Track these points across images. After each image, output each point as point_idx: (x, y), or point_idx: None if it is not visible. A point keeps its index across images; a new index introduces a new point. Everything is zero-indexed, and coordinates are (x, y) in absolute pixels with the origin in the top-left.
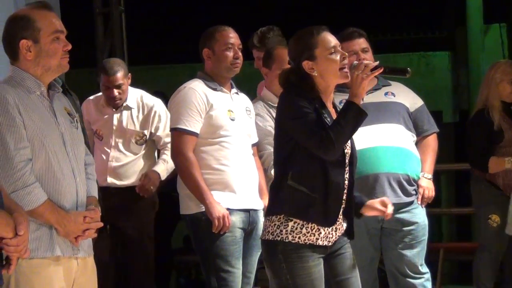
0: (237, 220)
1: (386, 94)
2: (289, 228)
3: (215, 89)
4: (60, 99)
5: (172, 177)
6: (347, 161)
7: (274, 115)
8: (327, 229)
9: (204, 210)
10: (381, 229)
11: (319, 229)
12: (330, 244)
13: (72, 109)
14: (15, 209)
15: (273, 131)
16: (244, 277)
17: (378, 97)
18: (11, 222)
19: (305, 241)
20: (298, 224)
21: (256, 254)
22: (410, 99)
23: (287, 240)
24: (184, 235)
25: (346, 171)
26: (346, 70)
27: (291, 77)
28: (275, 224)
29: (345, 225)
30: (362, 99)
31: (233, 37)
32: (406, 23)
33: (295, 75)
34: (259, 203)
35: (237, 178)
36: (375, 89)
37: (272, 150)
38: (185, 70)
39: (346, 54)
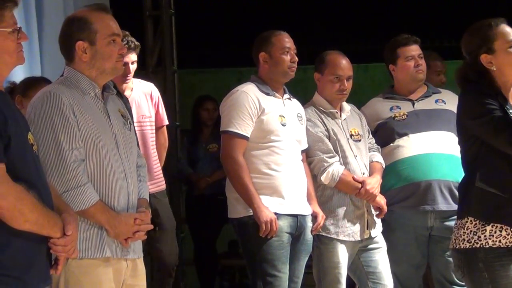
0: (284, 224)
1: (436, 101)
2: (487, 233)
3: (267, 94)
4: (114, 101)
5: (219, 180)
6: None
7: (325, 120)
8: None
9: (252, 214)
10: (429, 236)
11: None
12: None
13: (126, 111)
14: (64, 210)
15: (323, 137)
16: (291, 282)
17: (429, 104)
18: (59, 222)
19: (507, 244)
20: (497, 227)
21: (304, 259)
22: None
23: (487, 246)
24: (230, 239)
25: None
26: None
27: (469, 73)
28: (470, 231)
29: None
30: (413, 104)
31: (289, 41)
32: (456, 30)
33: (472, 70)
34: (308, 209)
35: (286, 183)
36: (426, 96)
37: (322, 156)
38: (232, 74)
39: None
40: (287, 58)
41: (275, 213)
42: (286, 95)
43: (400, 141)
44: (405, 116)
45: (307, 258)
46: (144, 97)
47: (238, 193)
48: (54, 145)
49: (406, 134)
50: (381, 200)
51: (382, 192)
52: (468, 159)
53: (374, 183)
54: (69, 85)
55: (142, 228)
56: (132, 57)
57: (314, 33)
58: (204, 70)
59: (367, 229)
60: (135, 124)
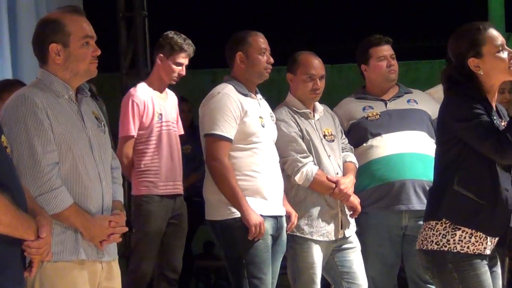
0: (269, 226)
1: (408, 101)
2: (457, 238)
3: (245, 95)
4: (88, 103)
5: (193, 182)
6: None
7: (299, 121)
8: (493, 238)
9: (236, 216)
10: (403, 236)
11: (486, 238)
12: (490, 253)
13: (100, 113)
14: (39, 212)
15: (297, 137)
16: None
17: (401, 104)
18: (33, 225)
19: (474, 251)
20: (467, 233)
21: (279, 260)
22: (432, 107)
23: (455, 250)
24: (205, 240)
25: None
26: None
27: (455, 76)
28: (440, 233)
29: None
30: (386, 104)
31: (264, 42)
32: (427, 30)
33: (459, 73)
34: (283, 209)
35: (267, 184)
36: (398, 96)
37: (296, 156)
38: (206, 76)
39: None
40: (264, 59)
41: (260, 215)
42: (259, 95)
43: (373, 141)
44: (378, 116)
45: (281, 258)
46: (174, 102)
47: (224, 196)
48: (28, 148)
49: (379, 134)
50: (355, 200)
51: (356, 192)
52: (447, 161)
53: (348, 183)
54: (42, 87)
55: (117, 230)
56: (187, 60)
57: (288, 33)
58: None
59: (341, 229)
60: (167, 123)
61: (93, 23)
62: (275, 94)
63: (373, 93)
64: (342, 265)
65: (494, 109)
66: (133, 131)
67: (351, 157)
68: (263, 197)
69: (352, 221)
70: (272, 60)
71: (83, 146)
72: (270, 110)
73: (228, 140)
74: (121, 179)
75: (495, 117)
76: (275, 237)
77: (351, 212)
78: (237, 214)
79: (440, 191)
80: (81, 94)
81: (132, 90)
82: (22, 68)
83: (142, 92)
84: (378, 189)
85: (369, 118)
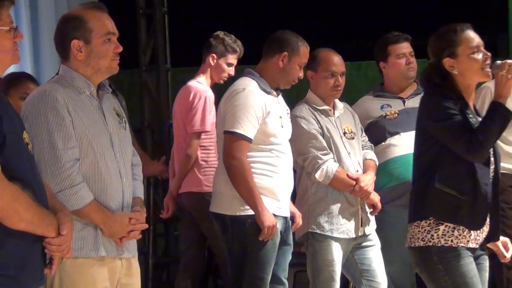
0: (279, 226)
1: None
2: (440, 232)
3: (268, 93)
4: (109, 99)
5: None
6: (492, 159)
7: (319, 118)
8: (476, 231)
9: (250, 213)
10: None
11: (469, 231)
12: (477, 246)
13: (121, 109)
14: (60, 209)
15: (317, 135)
16: (280, 284)
17: (419, 102)
18: (54, 222)
19: (458, 244)
20: (449, 227)
21: (288, 258)
22: None
23: (439, 245)
24: None
25: (492, 170)
26: (487, 70)
27: (433, 75)
28: (424, 230)
29: (486, 228)
30: (404, 102)
31: (307, 57)
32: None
33: (435, 72)
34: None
35: (282, 185)
36: (416, 93)
37: (316, 153)
38: None
39: (489, 54)
40: (299, 71)
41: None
42: (278, 91)
43: (391, 140)
44: (396, 114)
45: (290, 257)
46: None
47: (240, 195)
48: (49, 144)
49: (397, 133)
50: (375, 197)
51: (374, 191)
52: (427, 160)
53: (368, 180)
54: (64, 83)
55: (137, 227)
56: (236, 61)
57: (306, 31)
58: (197, 68)
59: (361, 226)
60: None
61: (112, 20)
62: (294, 92)
63: (391, 90)
64: (362, 263)
65: (472, 108)
66: (209, 126)
67: (371, 155)
68: (277, 197)
69: (372, 218)
70: (302, 76)
71: (104, 143)
72: (286, 106)
73: (248, 140)
74: (142, 176)
75: (471, 115)
76: (285, 237)
77: (371, 210)
78: (251, 211)
79: (423, 191)
80: (102, 90)
81: (198, 85)
82: (42, 65)
83: (209, 89)
84: (396, 188)
85: (387, 117)
